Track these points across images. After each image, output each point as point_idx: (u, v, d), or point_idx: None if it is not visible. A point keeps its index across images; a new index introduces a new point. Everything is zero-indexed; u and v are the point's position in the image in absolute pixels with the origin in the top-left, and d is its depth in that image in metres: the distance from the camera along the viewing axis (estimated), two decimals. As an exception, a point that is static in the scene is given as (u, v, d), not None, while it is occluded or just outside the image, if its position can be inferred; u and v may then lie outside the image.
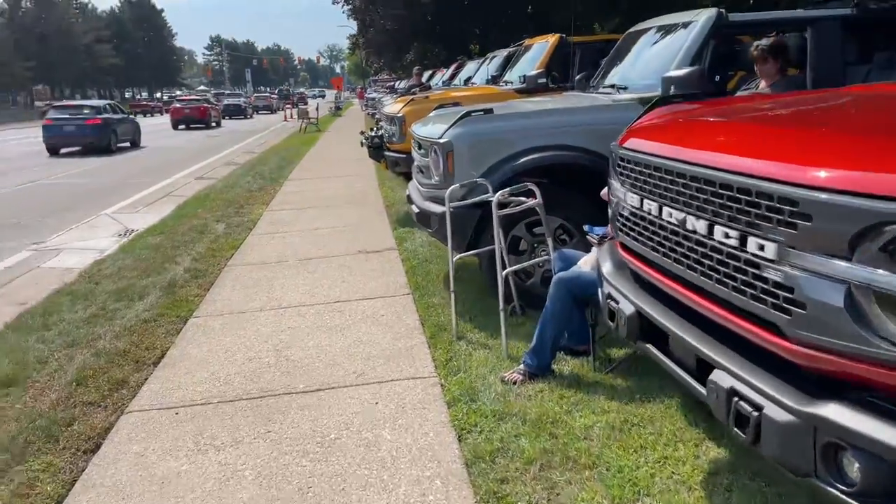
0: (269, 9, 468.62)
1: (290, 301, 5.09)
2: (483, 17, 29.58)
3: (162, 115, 50.87)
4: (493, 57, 13.03)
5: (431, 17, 30.31)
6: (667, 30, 4.93)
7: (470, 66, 14.26)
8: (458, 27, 30.51)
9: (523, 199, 3.85)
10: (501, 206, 3.78)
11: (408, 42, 34.25)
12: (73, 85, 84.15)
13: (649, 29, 5.23)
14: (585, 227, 3.74)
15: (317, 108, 30.71)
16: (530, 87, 7.43)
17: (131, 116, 24.99)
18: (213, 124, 34.63)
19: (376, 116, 18.50)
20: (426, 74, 20.50)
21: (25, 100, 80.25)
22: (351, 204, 9.29)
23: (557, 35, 8.72)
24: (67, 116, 20.71)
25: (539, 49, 8.91)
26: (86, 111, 21.18)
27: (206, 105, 35.08)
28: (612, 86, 4.97)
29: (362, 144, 8.93)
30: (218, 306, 5.06)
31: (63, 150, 20.63)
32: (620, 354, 3.62)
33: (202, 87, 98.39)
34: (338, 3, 36.34)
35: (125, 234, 8.43)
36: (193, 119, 33.43)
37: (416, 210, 4.92)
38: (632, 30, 5.59)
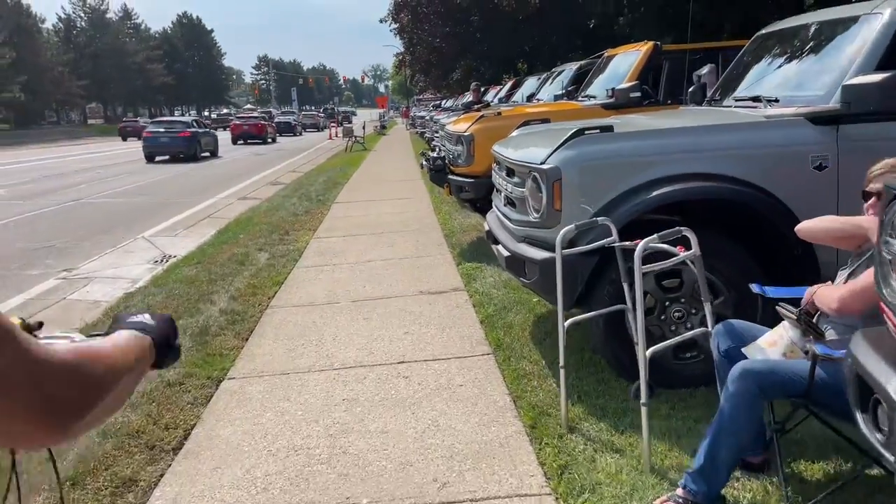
0: (316, 29, 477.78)
1: (345, 359, 4.15)
2: (533, 35, 28.77)
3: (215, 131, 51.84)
4: (561, 71, 12.05)
5: (480, 35, 29.57)
6: (827, 28, 3.89)
7: (530, 83, 13.33)
8: (506, 45, 29.74)
9: (667, 246, 2.84)
10: (647, 258, 2.78)
11: (454, 60, 33.60)
12: (125, 103, 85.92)
13: (795, 29, 4.20)
14: (755, 288, 2.73)
15: (363, 127, 30.15)
16: (620, 103, 6.44)
17: (211, 130, 28.24)
18: (270, 140, 36.76)
19: (428, 136, 17.84)
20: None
21: (80, 117, 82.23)
22: (405, 231, 8.38)
23: (651, 43, 7.61)
24: (163, 130, 25.19)
25: (628, 59, 7.82)
26: (178, 126, 25.74)
27: (262, 122, 37.74)
28: (755, 98, 3.93)
29: (423, 167, 8.04)
30: (257, 364, 4.16)
31: (157, 158, 24.01)
32: (817, 473, 2.57)
33: (248, 106, 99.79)
34: (385, 21, 36.01)
35: (163, 260, 7.67)
36: (251, 135, 35.92)
37: (506, 254, 3.97)
38: (764, 31, 4.56)
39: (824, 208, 2.92)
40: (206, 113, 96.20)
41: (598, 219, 3.30)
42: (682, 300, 3.46)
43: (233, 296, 5.61)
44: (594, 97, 7.83)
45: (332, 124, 42.91)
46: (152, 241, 8.91)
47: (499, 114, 7.46)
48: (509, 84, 15.19)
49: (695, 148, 3.48)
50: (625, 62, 7.81)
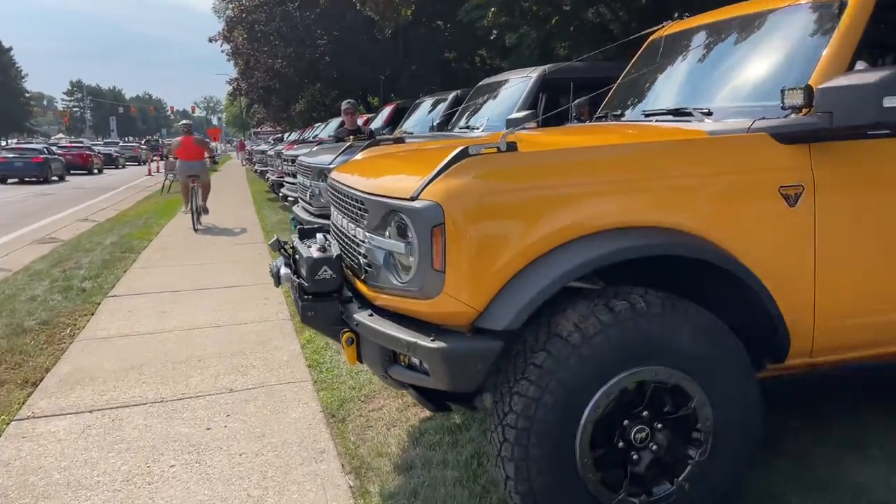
0: (142, 58, 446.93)
1: None
2: (388, 64, 25.46)
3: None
4: (433, 101, 8.81)
5: (330, 59, 25.63)
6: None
7: (424, 106, 9.63)
8: (359, 73, 26.12)
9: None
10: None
11: (298, 87, 29.41)
12: None
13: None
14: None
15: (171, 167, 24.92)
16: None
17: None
18: (96, 171, 35.95)
19: (272, 177, 13.53)
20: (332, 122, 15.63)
21: None
22: (239, 384, 4.19)
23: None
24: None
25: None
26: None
27: (87, 152, 36.71)
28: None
29: (276, 275, 3.93)
30: None
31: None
32: None
33: (60, 135, 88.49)
34: (216, 41, 31.11)
35: None
36: (75, 165, 33.74)
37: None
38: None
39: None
40: (4, 142, 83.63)
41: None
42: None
43: None
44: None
45: (155, 157, 38.19)
46: None
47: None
48: (389, 109, 11.35)
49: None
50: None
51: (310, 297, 2.58)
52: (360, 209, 2.52)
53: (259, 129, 52.74)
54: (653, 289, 2.25)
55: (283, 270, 2.72)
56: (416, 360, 2.24)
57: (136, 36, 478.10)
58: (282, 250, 2.89)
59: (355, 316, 2.45)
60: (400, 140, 3.68)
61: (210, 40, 31.21)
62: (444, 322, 2.20)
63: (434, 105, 9.20)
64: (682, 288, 2.32)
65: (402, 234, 2.25)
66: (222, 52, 31.79)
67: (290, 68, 27.25)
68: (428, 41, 24.11)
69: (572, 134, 3.05)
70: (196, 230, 10.83)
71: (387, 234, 2.33)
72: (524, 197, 2.13)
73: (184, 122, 12.40)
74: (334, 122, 15.17)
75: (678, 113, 2.85)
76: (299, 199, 6.64)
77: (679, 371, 2.18)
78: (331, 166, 5.35)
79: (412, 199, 2.17)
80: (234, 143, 62.05)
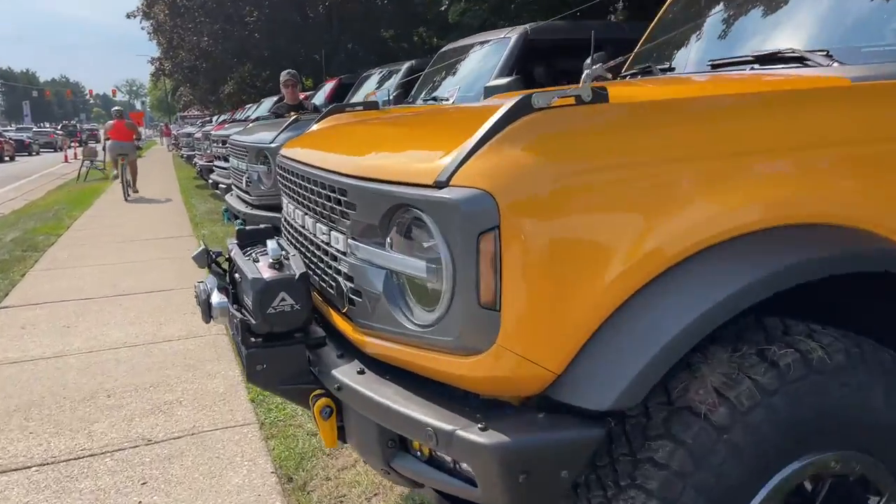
0: (58, 41, 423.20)
1: None
2: (325, 41, 24.12)
3: None
4: (383, 73, 7.92)
5: (260, 36, 24.06)
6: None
7: (372, 81, 8.63)
8: (293, 51, 24.64)
9: None
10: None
11: (227, 68, 27.64)
12: None
13: None
14: None
15: (104, 147, 23.12)
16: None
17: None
18: (7, 158, 33.98)
19: (200, 161, 12.45)
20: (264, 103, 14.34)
21: None
22: (167, 411, 3.20)
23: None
24: None
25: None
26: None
27: None
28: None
29: (214, 312, 2.95)
30: None
31: None
32: None
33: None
34: (135, 17, 29.02)
35: None
36: None
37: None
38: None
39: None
40: None
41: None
42: None
43: None
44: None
45: (73, 143, 35.92)
46: None
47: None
48: (331, 84, 10.25)
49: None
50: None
51: (259, 340, 1.65)
52: (336, 202, 1.60)
53: (186, 114, 50.22)
54: (798, 318, 1.43)
55: (217, 299, 1.76)
56: (444, 454, 1.36)
57: (51, 15, 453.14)
58: (213, 266, 1.93)
59: (336, 374, 1.54)
60: (373, 105, 2.78)
61: (128, 16, 29.11)
62: (493, 391, 1.32)
63: (385, 78, 8.24)
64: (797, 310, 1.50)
65: (418, 243, 1.36)
66: (143, 29, 29.76)
67: (217, 47, 25.59)
68: (364, 18, 23.01)
69: (658, 86, 2.16)
70: (127, 199, 12.77)
71: (389, 242, 1.43)
72: (635, 178, 1.26)
73: (116, 108, 14.71)
74: (268, 102, 13.94)
75: (774, 59, 2.03)
76: (233, 187, 5.61)
77: (867, 456, 1.37)
78: (272, 145, 4.35)
79: (438, 184, 1.27)
80: (159, 128, 59.13)
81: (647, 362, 1.20)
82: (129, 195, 13.02)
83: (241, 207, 4.87)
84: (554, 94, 1.29)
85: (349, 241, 1.54)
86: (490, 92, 4.00)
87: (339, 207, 1.58)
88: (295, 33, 23.93)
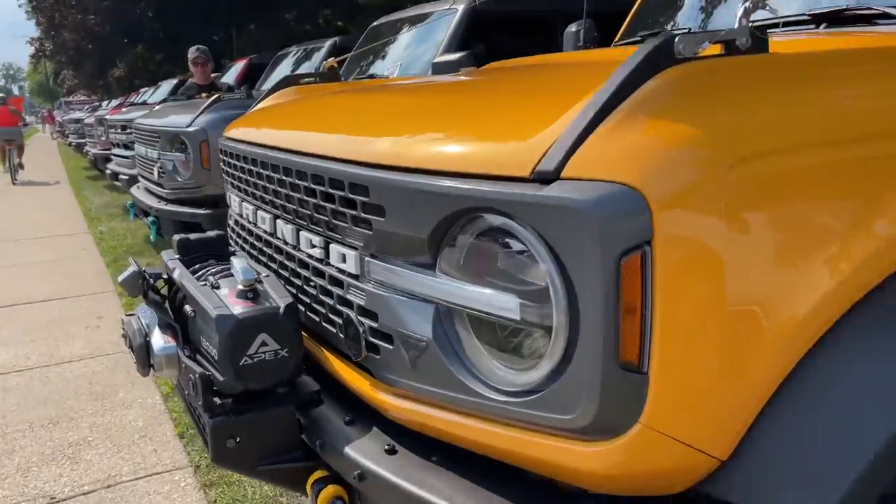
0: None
1: None
2: (220, 24, 22.83)
3: None
4: (302, 51, 7.34)
5: (153, 14, 22.45)
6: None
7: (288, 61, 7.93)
8: (187, 33, 23.19)
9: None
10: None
11: (115, 50, 25.69)
12: None
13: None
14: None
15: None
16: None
17: None
18: None
19: (92, 150, 11.37)
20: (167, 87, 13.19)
21: None
22: (72, 456, 2.58)
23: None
24: None
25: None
26: None
27: None
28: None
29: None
30: None
31: None
32: None
33: None
34: (9, -8, 26.53)
35: None
36: None
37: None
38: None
39: None
40: None
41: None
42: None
43: None
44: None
45: None
46: None
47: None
48: (241, 64, 9.44)
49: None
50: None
51: (229, 402, 1.15)
52: (345, 204, 1.11)
53: (71, 99, 46.82)
54: None
55: (159, 342, 1.23)
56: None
57: None
58: (149, 293, 1.39)
59: (352, 454, 1.06)
60: (334, 76, 2.27)
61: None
62: (626, 489, 0.89)
63: (304, 58, 7.58)
64: None
65: (502, 267, 0.90)
66: (20, 6, 27.31)
67: (105, 26, 23.73)
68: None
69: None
70: (14, 183, 13.05)
71: (440, 264, 0.96)
72: (850, 162, 0.86)
73: (0, 95, 15.59)
74: (166, 86, 12.87)
75: (841, 20, 1.68)
76: (139, 178, 4.89)
77: None
78: (191, 129, 3.72)
79: (540, 177, 0.82)
80: (41, 115, 54.92)
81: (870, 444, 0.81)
82: (16, 180, 13.21)
83: (152, 202, 4.20)
84: (702, 37, 0.86)
85: (368, 259, 1.06)
86: (437, 69, 3.58)
87: (352, 212, 1.09)
88: (190, 13, 22.50)
